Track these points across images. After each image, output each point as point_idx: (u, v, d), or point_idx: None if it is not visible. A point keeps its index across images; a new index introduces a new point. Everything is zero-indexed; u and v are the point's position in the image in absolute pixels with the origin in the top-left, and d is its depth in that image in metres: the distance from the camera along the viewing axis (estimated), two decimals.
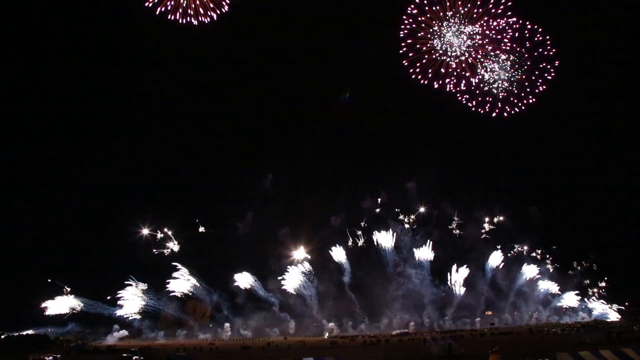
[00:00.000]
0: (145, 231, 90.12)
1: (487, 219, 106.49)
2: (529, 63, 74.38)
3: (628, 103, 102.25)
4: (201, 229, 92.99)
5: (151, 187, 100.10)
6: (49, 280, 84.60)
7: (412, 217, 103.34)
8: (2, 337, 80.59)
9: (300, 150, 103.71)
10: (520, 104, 76.68)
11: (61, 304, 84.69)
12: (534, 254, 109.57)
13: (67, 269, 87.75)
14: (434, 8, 71.22)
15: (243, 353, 62.51)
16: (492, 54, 71.41)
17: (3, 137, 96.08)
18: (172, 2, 70.15)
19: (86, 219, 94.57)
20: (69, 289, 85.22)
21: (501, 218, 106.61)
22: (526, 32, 73.22)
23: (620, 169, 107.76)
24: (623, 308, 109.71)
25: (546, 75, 75.22)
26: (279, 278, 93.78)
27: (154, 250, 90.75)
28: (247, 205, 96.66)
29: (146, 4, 70.49)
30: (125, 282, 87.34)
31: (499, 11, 71.81)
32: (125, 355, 55.13)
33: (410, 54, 73.64)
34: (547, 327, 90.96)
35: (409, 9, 72.35)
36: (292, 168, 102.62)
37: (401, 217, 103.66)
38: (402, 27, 72.87)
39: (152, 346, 67.06)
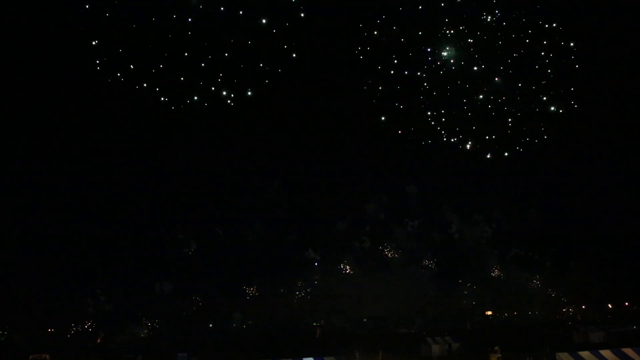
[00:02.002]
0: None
1: (486, 222, 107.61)
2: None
3: (628, 101, 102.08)
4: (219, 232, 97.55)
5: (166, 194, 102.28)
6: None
7: (416, 221, 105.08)
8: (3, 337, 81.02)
9: (303, 157, 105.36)
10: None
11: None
12: (531, 254, 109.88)
13: (97, 270, 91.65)
14: None
15: (244, 352, 62.71)
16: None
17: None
18: None
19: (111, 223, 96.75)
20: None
21: (500, 221, 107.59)
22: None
23: (619, 168, 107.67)
24: (623, 308, 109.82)
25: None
26: (289, 281, 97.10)
27: (176, 252, 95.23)
28: (256, 212, 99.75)
29: None
30: (150, 286, 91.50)
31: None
32: (126, 356, 55.45)
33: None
34: (547, 327, 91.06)
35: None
36: (296, 175, 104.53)
37: (406, 219, 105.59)
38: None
39: (153, 345, 67.39)
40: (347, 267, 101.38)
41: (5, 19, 78.17)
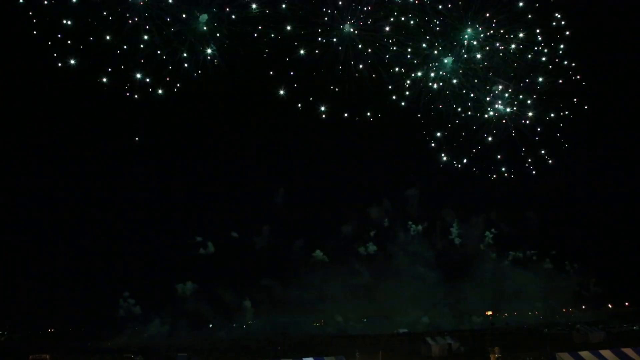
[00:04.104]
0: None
1: (485, 225, 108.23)
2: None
3: (627, 103, 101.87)
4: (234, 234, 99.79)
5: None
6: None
7: (419, 226, 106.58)
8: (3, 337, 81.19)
9: (306, 163, 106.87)
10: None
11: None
12: (531, 254, 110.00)
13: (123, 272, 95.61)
14: None
15: (244, 352, 62.79)
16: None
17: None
18: None
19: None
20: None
21: (499, 224, 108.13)
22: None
23: (618, 170, 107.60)
24: (623, 308, 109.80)
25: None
26: (298, 283, 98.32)
27: (194, 252, 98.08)
28: (262, 220, 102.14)
29: None
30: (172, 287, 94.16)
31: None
32: (126, 355, 55.57)
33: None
34: (547, 327, 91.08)
35: None
36: (301, 181, 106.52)
37: (409, 222, 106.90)
38: None
39: (153, 345, 67.52)
40: (351, 268, 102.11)
41: None
